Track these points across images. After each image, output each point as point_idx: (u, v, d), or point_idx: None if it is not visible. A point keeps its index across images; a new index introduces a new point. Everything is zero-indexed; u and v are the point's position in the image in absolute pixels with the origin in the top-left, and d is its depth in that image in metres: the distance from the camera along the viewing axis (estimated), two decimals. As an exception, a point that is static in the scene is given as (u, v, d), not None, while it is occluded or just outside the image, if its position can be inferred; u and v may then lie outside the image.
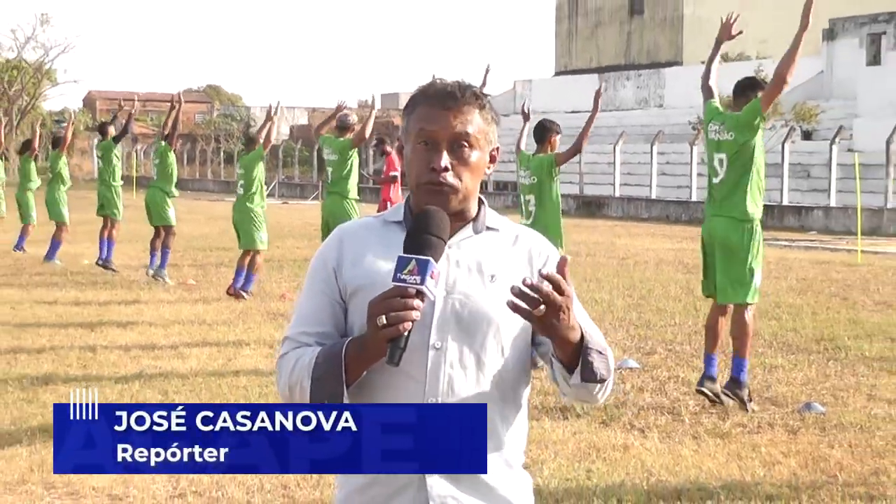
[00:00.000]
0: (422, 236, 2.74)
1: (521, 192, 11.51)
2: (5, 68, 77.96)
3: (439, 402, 2.81)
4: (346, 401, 2.78)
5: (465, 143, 2.90)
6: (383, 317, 2.65)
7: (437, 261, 2.72)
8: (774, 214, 30.37)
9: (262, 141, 15.57)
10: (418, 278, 2.66)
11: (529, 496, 3.01)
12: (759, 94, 8.94)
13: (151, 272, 16.97)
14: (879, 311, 14.15)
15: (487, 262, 2.91)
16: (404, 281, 2.66)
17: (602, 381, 2.82)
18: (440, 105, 2.90)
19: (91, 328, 12.67)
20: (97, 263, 18.46)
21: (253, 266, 15.41)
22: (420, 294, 2.67)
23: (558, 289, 2.63)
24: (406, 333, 2.67)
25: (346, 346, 2.79)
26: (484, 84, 12.22)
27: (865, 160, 30.21)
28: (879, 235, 27.55)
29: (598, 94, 11.40)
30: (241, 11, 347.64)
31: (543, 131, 11.23)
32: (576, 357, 2.79)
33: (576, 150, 11.28)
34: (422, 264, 2.67)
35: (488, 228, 2.98)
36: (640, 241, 25.52)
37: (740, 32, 9.32)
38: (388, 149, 21.40)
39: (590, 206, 37.95)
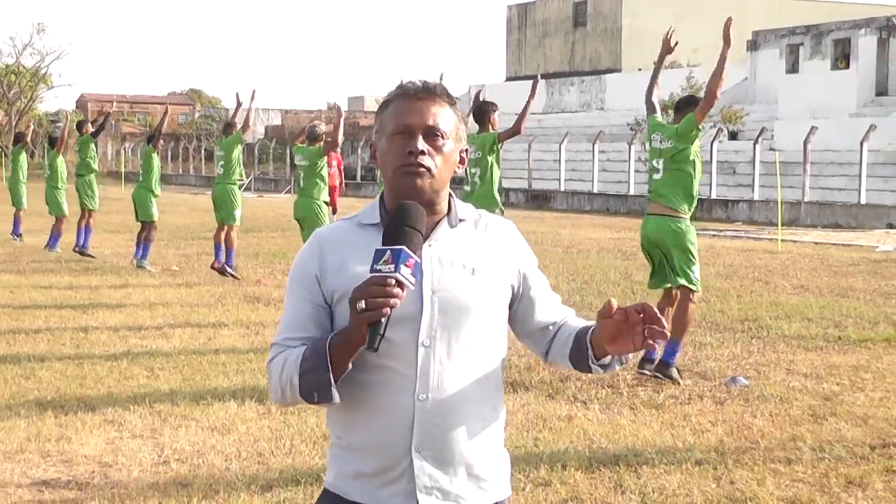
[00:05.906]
0: (397, 228, 2.62)
1: (468, 166, 11.54)
2: (4, 73, 77.17)
3: (429, 397, 2.69)
4: (334, 392, 2.64)
5: (439, 134, 2.78)
6: (362, 301, 2.51)
7: (413, 251, 2.59)
8: (703, 207, 30.42)
9: (239, 126, 15.60)
10: (392, 266, 2.54)
11: (507, 474, 2.95)
12: (695, 110, 9.06)
13: (135, 262, 16.88)
14: (797, 293, 14.25)
15: (468, 257, 2.80)
16: (379, 271, 2.54)
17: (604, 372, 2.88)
18: (415, 97, 2.80)
19: (83, 310, 12.56)
20: (74, 250, 18.26)
21: (229, 241, 15.46)
22: (399, 283, 2.54)
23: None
24: (385, 319, 2.54)
25: (331, 338, 2.64)
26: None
27: (785, 158, 30.46)
28: (797, 226, 27.72)
29: (535, 81, 12.24)
30: (222, 22, 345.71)
31: (482, 112, 11.23)
32: (607, 356, 2.80)
33: (515, 130, 11.26)
34: (395, 253, 2.55)
35: (461, 220, 2.86)
36: (583, 232, 25.57)
37: (677, 43, 9.38)
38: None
39: (538, 200, 37.98)
